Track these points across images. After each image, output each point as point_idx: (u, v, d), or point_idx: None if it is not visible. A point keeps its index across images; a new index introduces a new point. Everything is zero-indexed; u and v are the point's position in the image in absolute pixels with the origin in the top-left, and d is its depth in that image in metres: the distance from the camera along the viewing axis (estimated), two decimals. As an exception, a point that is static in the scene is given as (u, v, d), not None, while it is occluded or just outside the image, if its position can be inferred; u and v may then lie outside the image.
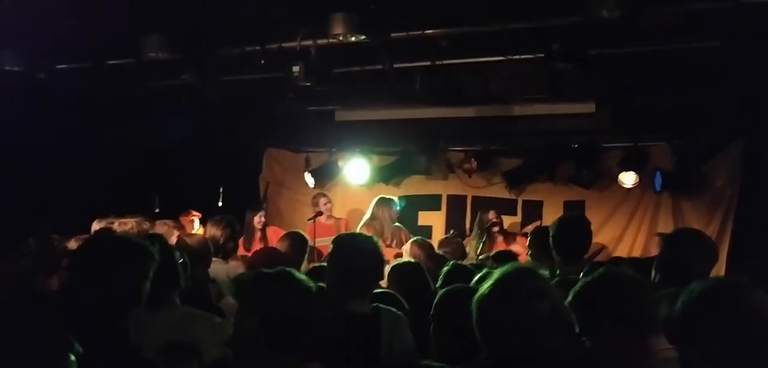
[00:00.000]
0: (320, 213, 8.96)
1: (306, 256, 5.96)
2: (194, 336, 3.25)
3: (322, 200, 9.01)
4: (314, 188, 9.73)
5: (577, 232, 4.73)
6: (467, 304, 2.65)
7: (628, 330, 2.65)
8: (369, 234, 4.26)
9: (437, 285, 4.32)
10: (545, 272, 2.76)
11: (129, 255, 2.97)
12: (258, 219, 8.70)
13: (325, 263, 5.37)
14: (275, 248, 6.11)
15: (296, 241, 5.99)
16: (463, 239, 8.37)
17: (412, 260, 5.44)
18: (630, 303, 2.68)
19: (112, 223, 6.26)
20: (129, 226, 6.09)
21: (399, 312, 3.75)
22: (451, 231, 8.27)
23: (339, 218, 9.15)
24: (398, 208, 8.67)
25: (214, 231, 6.40)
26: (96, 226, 6.34)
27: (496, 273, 2.59)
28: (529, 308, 2.43)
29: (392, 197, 8.55)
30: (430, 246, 6.51)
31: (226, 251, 6.28)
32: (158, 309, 3.38)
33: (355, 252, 3.72)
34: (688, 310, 2.23)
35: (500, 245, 8.00)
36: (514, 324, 2.42)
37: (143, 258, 2.97)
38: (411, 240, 6.57)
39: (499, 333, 2.46)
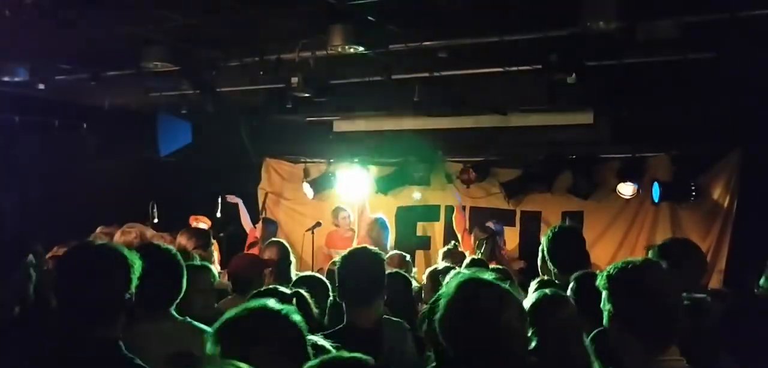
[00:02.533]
0: (319, 224, 8.99)
1: (291, 264, 5.97)
2: (197, 350, 3.25)
3: (342, 214, 9.08)
4: (312, 198, 9.76)
5: (571, 241, 4.73)
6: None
7: (635, 330, 2.65)
8: (372, 247, 4.29)
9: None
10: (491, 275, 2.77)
11: (110, 262, 2.98)
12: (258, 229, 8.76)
13: (314, 273, 5.48)
14: (256, 256, 6.11)
15: (282, 250, 6.02)
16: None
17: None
18: (646, 304, 2.66)
19: (113, 233, 6.25)
20: (132, 236, 6.07)
21: (406, 324, 3.78)
22: (452, 242, 8.30)
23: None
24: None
25: (182, 241, 6.33)
26: (98, 233, 6.33)
27: (457, 279, 2.66)
28: (492, 315, 2.49)
29: (380, 216, 8.61)
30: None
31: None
32: (154, 320, 3.37)
33: (356, 267, 3.79)
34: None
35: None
36: (477, 329, 2.48)
37: (125, 266, 2.98)
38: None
39: (463, 337, 2.52)
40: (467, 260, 6.31)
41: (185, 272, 3.69)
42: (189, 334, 3.50)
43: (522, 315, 2.55)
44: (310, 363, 2.25)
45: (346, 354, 2.30)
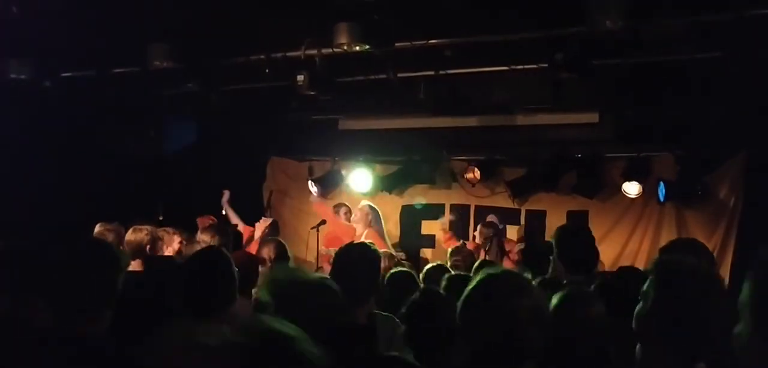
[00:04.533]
0: (324, 222, 8.98)
1: (288, 263, 5.99)
2: None
3: (343, 210, 9.07)
4: (318, 196, 9.76)
5: (580, 241, 4.72)
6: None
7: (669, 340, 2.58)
8: (368, 243, 4.28)
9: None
10: (528, 275, 2.79)
11: (98, 257, 2.99)
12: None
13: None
14: (251, 254, 6.15)
15: (279, 249, 6.05)
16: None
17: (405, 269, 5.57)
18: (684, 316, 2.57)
19: (112, 229, 6.26)
20: (143, 233, 6.09)
21: (396, 319, 3.80)
22: (461, 241, 8.29)
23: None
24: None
25: (205, 238, 6.37)
26: (99, 229, 6.34)
27: (480, 275, 2.69)
28: (509, 304, 2.51)
29: (370, 204, 8.66)
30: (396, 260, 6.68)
31: None
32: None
33: (352, 263, 3.79)
34: None
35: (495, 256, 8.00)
36: (494, 320, 2.51)
37: (113, 262, 3.00)
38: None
39: (480, 329, 2.54)
40: (477, 263, 6.30)
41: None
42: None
43: (539, 309, 2.57)
44: None
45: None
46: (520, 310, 2.49)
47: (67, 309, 2.85)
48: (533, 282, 4.21)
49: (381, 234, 8.57)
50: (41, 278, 3.01)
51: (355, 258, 3.84)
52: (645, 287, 2.70)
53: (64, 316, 2.85)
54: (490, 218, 8.71)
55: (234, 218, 8.77)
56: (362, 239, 8.12)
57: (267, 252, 6.07)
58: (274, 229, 8.53)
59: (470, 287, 2.63)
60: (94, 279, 2.90)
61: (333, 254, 8.17)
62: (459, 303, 2.64)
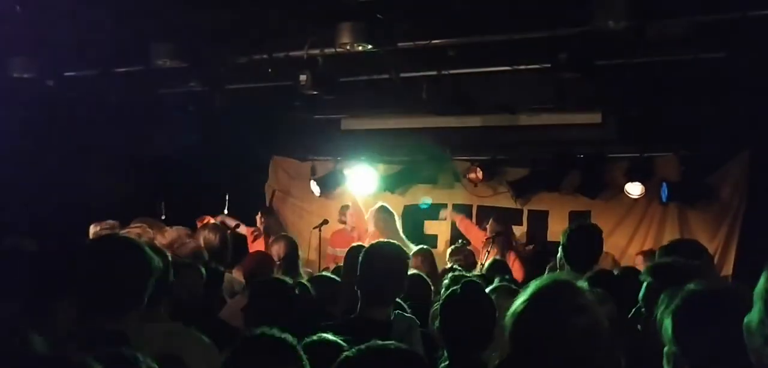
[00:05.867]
0: (326, 222, 8.98)
1: (299, 258, 5.98)
2: (182, 353, 3.22)
3: (350, 211, 9.05)
4: (319, 196, 9.76)
5: (588, 240, 4.73)
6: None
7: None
8: (397, 244, 4.19)
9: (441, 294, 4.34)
10: (584, 284, 2.63)
11: (134, 256, 2.98)
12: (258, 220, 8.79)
13: (328, 273, 5.48)
14: (268, 254, 6.16)
15: (289, 244, 6.04)
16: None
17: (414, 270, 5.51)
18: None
19: (114, 228, 6.26)
20: (133, 233, 6.07)
21: (416, 320, 3.78)
22: (460, 241, 8.26)
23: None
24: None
25: (210, 236, 6.36)
26: (93, 230, 6.34)
27: (532, 286, 2.49)
28: (566, 323, 2.35)
29: (386, 205, 8.55)
30: (432, 256, 6.60)
31: (221, 258, 6.17)
32: (146, 320, 3.33)
33: (378, 263, 3.72)
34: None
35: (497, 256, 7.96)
36: (550, 339, 2.35)
37: (147, 262, 2.98)
38: (414, 250, 6.65)
39: (534, 348, 2.38)
40: (489, 262, 6.27)
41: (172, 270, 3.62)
42: (179, 336, 3.48)
43: (598, 326, 2.39)
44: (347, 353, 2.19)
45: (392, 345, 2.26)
46: (578, 327, 2.34)
47: (92, 308, 2.85)
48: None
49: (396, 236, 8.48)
50: (67, 278, 2.99)
51: (382, 258, 3.76)
52: (642, 293, 2.71)
53: (88, 316, 2.84)
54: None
55: (232, 222, 8.75)
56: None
57: (277, 249, 6.09)
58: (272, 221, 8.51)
59: (525, 297, 2.45)
60: (121, 279, 2.89)
61: (340, 255, 8.23)
62: (508, 318, 2.47)
